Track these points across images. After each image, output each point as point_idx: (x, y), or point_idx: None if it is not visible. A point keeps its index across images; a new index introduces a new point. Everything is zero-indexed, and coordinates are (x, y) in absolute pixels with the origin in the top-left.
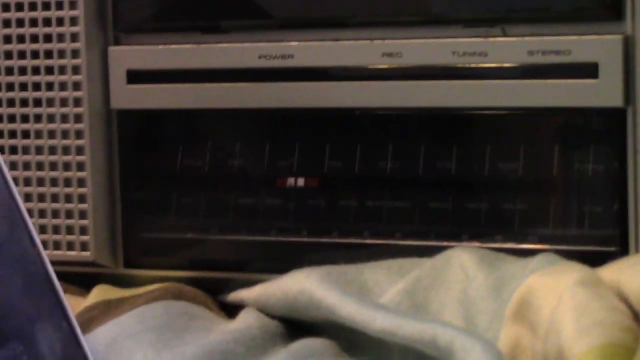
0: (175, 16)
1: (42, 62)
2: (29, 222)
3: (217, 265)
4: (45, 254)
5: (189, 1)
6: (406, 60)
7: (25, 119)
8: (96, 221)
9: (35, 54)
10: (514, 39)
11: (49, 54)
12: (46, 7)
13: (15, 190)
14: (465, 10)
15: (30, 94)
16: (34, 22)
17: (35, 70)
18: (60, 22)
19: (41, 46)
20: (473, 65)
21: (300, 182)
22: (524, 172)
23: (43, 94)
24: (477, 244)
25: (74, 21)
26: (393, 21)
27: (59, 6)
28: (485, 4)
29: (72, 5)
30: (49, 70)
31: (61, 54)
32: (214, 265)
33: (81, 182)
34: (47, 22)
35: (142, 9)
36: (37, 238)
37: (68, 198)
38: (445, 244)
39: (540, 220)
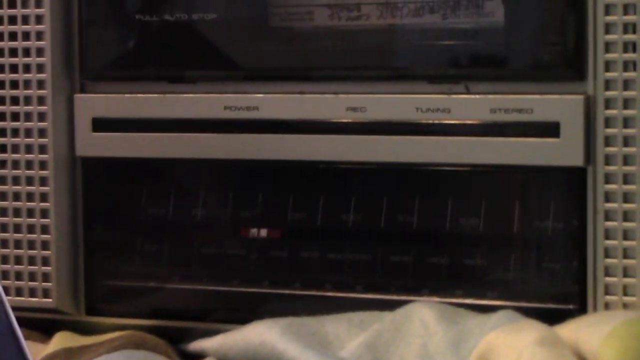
0: (142, 65)
1: (7, 108)
2: None
3: (178, 314)
4: (8, 304)
5: (155, 51)
6: (370, 115)
7: None
8: (59, 268)
9: (1, 100)
10: (477, 96)
11: (15, 100)
12: (13, 53)
13: None
14: (429, 66)
15: None
16: (0, 68)
17: (1, 116)
18: (27, 68)
19: (7, 92)
20: (436, 122)
21: (263, 232)
22: (485, 227)
23: (8, 140)
24: (437, 298)
25: (40, 68)
26: (357, 75)
27: (26, 53)
28: (448, 60)
29: (40, 53)
30: (15, 117)
31: (27, 100)
32: (175, 314)
33: (45, 229)
34: (13, 68)
35: (108, 57)
36: (0, 287)
37: (31, 244)
38: (406, 297)
39: (500, 276)
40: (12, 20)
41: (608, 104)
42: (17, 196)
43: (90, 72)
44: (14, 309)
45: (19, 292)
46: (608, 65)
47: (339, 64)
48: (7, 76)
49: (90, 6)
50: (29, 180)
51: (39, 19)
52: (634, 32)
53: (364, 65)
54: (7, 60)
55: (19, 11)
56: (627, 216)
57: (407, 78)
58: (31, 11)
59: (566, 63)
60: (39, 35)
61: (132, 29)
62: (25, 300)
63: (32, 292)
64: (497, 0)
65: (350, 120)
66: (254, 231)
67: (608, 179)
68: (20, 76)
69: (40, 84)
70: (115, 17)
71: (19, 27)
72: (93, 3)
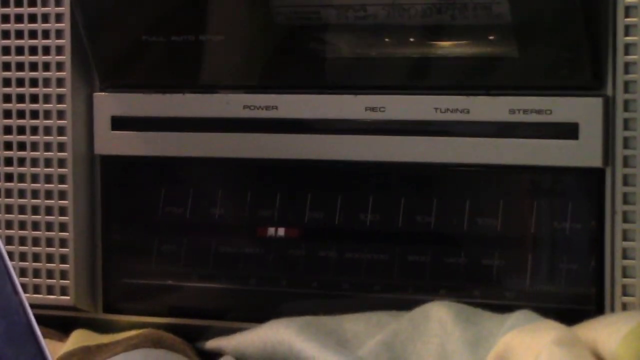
0: (157, 77)
1: (27, 106)
2: (12, 269)
3: (196, 313)
4: (27, 303)
5: (170, 64)
6: (389, 115)
7: (9, 161)
8: (77, 266)
9: (20, 98)
10: (496, 97)
11: (34, 98)
12: (33, 51)
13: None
14: (449, 78)
15: (14, 137)
16: (20, 66)
17: (20, 114)
18: (46, 67)
19: (27, 90)
20: (455, 122)
21: (281, 232)
22: (503, 228)
23: (27, 138)
24: (455, 298)
25: (60, 66)
26: (374, 84)
27: (46, 51)
28: (467, 67)
29: (59, 51)
30: (34, 115)
31: (47, 98)
32: (193, 312)
33: (63, 227)
34: (33, 66)
35: (124, 69)
36: (20, 286)
37: (49, 242)
38: (423, 297)
39: (518, 276)
40: (32, 18)
41: (627, 105)
42: (35, 194)
43: (106, 82)
44: (32, 306)
45: (36, 289)
46: (627, 67)
47: (360, 77)
48: (27, 74)
49: (104, 14)
50: (48, 178)
51: (58, 17)
52: None
53: (384, 78)
54: (27, 58)
55: (39, 9)
56: None
57: (425, 86)
58: (51, 9)
59: (585, 65)
60: (59, 34)
61: (147, 42)
62: (43, 297)
63: (50, 290)
64: (512, 3)
65: (369, 120)
66: (271, 230)
67: (626, 180)
68: (40, 74)
69: (60, 82)
70: (128, 32)
71: (39, 25)
72: (106, 11)
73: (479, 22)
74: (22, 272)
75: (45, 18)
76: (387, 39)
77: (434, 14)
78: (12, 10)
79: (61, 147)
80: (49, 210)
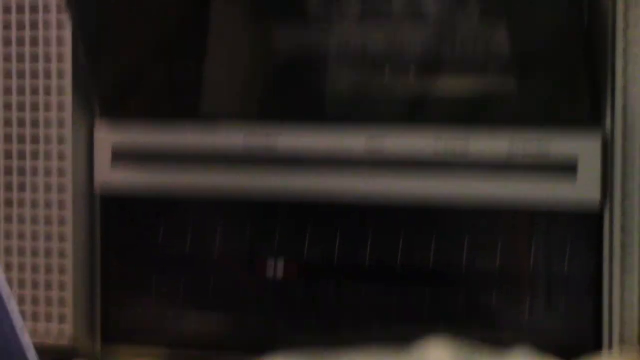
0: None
1: (29, 147)
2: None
3: (194, 346)
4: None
5: (174, 95)
6: (389, 153)
7: (9, 203)
8: (76, 300)
9: (21, 139)
10: (496, 134)
11: (35, 139)
12: (34, 91)
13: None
14: (449, 113)
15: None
16: (21, 107)
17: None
18: (47, 107)
19: (28, 130)
20: (455, 159)
21: (280, 267)
22: (501, 266)
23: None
24: (453, 335)
25: (61, 106)
26: (377, 119)
27: (47, 91)
28: (468, 109)
29: (60, 91)
30: (35, 156)
31: (47, 138)
32: (191, 346)
33: (62, 268)
34: (34, 107)
35: (124, 98)
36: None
37: (49, 273)
38: (422, 335)
39: (516, 315)
40: (35, 58)
41: (625, 143)
42: (35, 234)
43: (106, 110)
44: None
45: (35, 333)
46: (626, 107)
47: (361, 113)
48: (28, 114)
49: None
50: (48, 219)
51: (60, 57)
52: None
53: (381, 108)
54: (28, 98)
55: (41, 49)
56: None
57: (425, 122)
58: (53, 49)
59: (584, 103)
60: (61, 74)
61: (149, 71)
62: (41, 341)
63: (49, 333)
64: (512, 39)
65: (368, 155)
66: (270, 266)
67: (625, 216)
68: (41, 114)
69: (61, 123)
70: (129, 63)
71: (40, 65)
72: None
73: (479, 58)
74: (21, 315)
75: (47, 55)
76: (386, 73)
77: (433, 49)
78: (14, 32)
79: (62, 188)
80: (48, 238)
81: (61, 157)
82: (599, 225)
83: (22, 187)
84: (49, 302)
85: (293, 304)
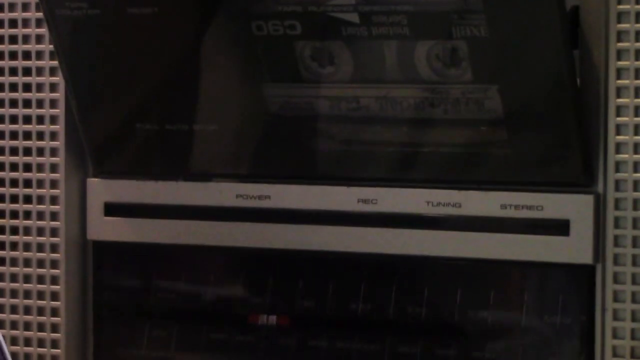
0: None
1: (20, 191)
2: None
3: None
4: None
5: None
6: (381, 207)
7: (1, 246)
8: (68, 351)
9: (14, 182)
10: (488, 192)
11: (28, 183)
12: (27, 136)
13: None
14: (441, 171)
15: (7, 222)
16: (14, 151)
17: (14, 199)
18: (40, 152)
19: (20, 175)
20: (447, 216)
21: (272, 319)
22: (493, 320)
23: (20, 222)
24: None
25: (54, 152)
26: (366, 177)
27: (40, 137)
28: (460, 167)
29: (53, 137)
30: (27, 199)
31: (40, 183)
32: None
33: (54, 312)
34: (27, 151)
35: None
36: None
37: (41, 327)
38: None
39: None
40: (27, 103)
41: (618, 204)
42: (27, 278)
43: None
44: None
45: None
46: (618, 166)
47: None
48: (21, 159)
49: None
50: (40, 263)
51: (53, 103)
52: None
53: (374, 165)
54: (20, 143)
55: (33, 95)
56: (635, 315)
57: (417, 179)
58: (46, 95)
59: (576, 162)
60: (53, 119)
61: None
62: None
63: None
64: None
65: (361, 212)
66: (263, 318)
67: (617, 278)
68: (34, 159)
69: (54, 168)
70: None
71: (33, 111)
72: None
73: (471, 117)
74: (14, 357)
75: (40, 103)
76: (379, 131)
77: (426, 108)
78: (6, 94)
79: (54, 232)
80: (40, 295)
81: (54, 217)
82: (591, 282)
83: (14, 247)
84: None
85: (285, 357)
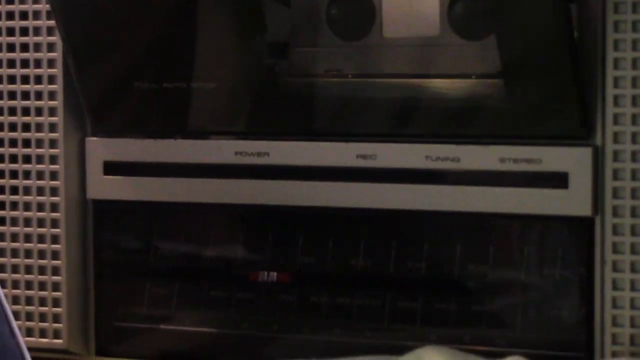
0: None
1: (19, 151)
2: (10, 313)
3: (188, 356)
4: (24, 345)
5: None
6: (380, 163)
7: (1, 205)
8: (70, 309)
9: (13, 142)
10: (487, 146)
11: (27, 143)
12: (25, 96)
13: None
14: (439, 125)
15: (7, 182)
16: (12, 111)
17: (13, 159)
18: (39, 111)
19: (20, 135)
20: (445, 170)
21: (273, 276)
22: (493, 274)
23: (20, 182)
24: (445, 344)
25: (52, 111)
26: (366, 132)
27: (38, 96)
28: (459, 121)
29: (51, 96)
30: (27, 159)
31: (39, 143)
32: (185, 356)
33: (55, 271)
34: (26, 111)
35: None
36: (17, 329)
37: (42, 285)
38: (414, 342)
39: (508, 322)
40: (25, 63)
41: (616, 155)
42: (28, 238)
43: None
44: None
45: (29, 332)
46: (617, 118)
47: (351, 125)
48: (19, 119)
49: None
50: (41, 222)
51: (51, 63)
52: None
53: (372, 120)
54: (19, 103)
55: (31, 55)
56: (634, 267)
57: (416, 134)
58: (43, 55)
59: (575, 115)
60: (51, 79)
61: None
62: (35, 340)
63: (43, 333)
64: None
65: (360, 167)
66: (263, 275)
67: (616, 230)
68: (33, 119)
69: (52, 127)
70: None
71: (31, 71)
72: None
73: (469, 69)
74: (15, 315)
75: (38, 63)
76: (377, 86)
77: (422, 60)
78: (4, 55)
79: (54, 191)
80: (41, 254)
81: (53, 177)
82: (591, 235)
83: (14, 206)
84: (43, 318)
85: (286, 313)
